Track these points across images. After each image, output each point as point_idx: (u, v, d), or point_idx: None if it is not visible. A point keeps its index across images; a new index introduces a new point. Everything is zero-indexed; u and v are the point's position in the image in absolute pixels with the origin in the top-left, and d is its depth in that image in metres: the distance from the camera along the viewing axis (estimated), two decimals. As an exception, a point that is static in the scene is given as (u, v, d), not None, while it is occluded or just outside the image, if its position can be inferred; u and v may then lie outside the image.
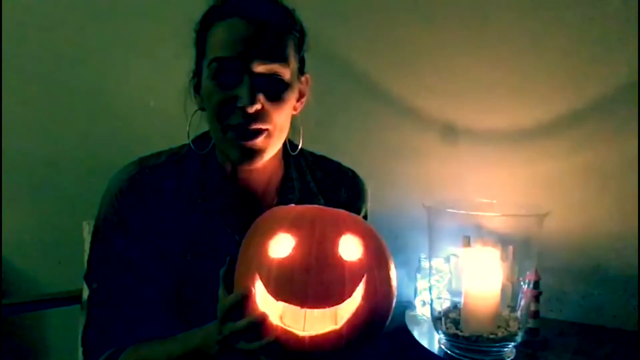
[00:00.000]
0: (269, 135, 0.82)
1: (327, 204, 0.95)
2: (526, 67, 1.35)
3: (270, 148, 0.83)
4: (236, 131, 0.80)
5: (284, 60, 0.81)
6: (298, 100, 0.89)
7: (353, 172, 1.03)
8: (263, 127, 0.80)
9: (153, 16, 1.62)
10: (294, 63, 0.84)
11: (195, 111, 0.88)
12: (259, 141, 0.81)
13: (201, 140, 0.91)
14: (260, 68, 0.79)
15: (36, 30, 1.68)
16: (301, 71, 0.89)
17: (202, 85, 0.84)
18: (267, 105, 0.80)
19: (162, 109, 1.56)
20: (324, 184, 0.98)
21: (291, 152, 0.94)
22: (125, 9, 1.63)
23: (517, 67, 1.36)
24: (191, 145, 0.89)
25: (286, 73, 0.81)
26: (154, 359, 0.81)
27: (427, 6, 1.42)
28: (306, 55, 0.91)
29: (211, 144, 0.89)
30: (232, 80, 0.79)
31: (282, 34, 0.82)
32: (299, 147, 0.95)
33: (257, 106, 0.78)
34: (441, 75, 1.43)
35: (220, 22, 0.81)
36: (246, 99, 0.77)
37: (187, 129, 0.88)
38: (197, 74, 0.87)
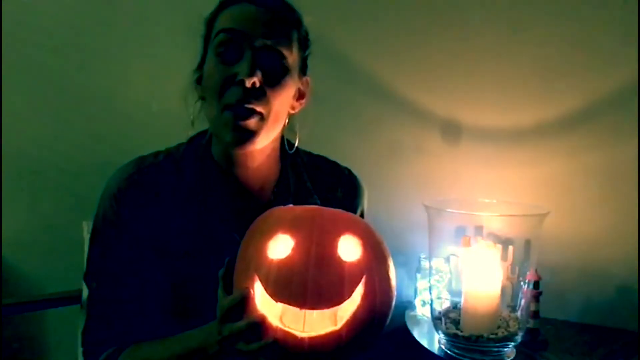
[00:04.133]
0: (263, 119, 0.82)
1: (323, 202, 0.95)
2: (527, 67, 1.35)
3: (264, 133, 0.83)
4: (233, 110, 0.80)
5: (287, 43, 0.82)
6: (297, 100, 0.90)
7: (349, 170, 1.03)
8: (258, 108, 0.80)
9: (154, 17, 1.62)
10: (296, 55, 0.85)
11: (197, 101, 0.89)
12: (253, 122, 0.81)
13: (199, 137, 0.92)
14: (263, 43, 0.80)
15: (36, 31, 1.67)
16: (303, 72, 0.90)
17: (204, 71, 0.85)
18: (266, 87, 0.80)
19: (163, 110, 1.56)
20: (321, 183, 0.99)
21: (288, 151, 0.95)
22: (126, 10, 1.63)
23: (518, 67, 1.36)
24: (189, 146, 0.90)
25: (288, 56, 0.83)
26: (154, 359, 0.81)
27: (429, 5, 1.42)
28: (309, 60, 0.92)
29: (207, 137, 0.90)
30: (234, 57, 0.80)
31: (288, 23, 0.84)
32: (295, 145, 0.95)
33: (255, 80, 0.78)
34: (442, 75, 1.43)
35: (229, 7, 0.83)
36: (246, 70, 0.78)
37: (191, 117, 0.89)
38: (200, 66, 0.88)
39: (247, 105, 0.79)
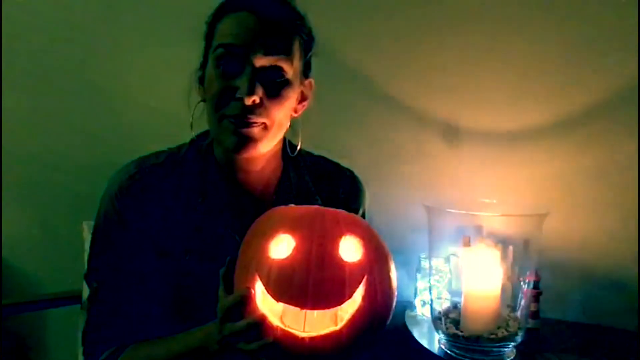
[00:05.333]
0: (266, 128, 0.82)
1: (325, 203, 0.95)
2: (527, 68, 1.35)
3: (266, 140, 0.83)
4: (232, 120, 0.80)
5: (287, 56, 0.82)
6: (300, 103, 0.90)
7: (351, 172, 1.03)
8: (259, 120, 0.80)
9: (155, 16, 1.62)
10: (297, 63, 0.85)
11: (199, 102, 0.89)
12: (255, 130, 0.81)
13: (201, 138, 0.92)
14: (262, 61, 0.80)
15: (36, 30, 1.67)
16: (306, 75, 0.90)
17: (205, 74, 0.85)
18: (266, 101, 0.80)
19: (163, 109, 1.56)
20: (322, 183, 0.99)
21: (290, 154, 0.95)
22: (127, 9, 1.63)
23: (517, 68, 1.36)
24: (194, 137, 0.90)
25: (288, 70, 0.82)
26: (155, 358, 0.82)
27: (429, 7, 1.42)
28: (313, 60, 0.91)
29: (209, 139, 0.90)
30: (234, 70, 0.80)
31: (289, 33, 0.83)
32: (298, 148, 0.95)
33: (255, 98, 0.78)
34: (442, 76, 1.43)
35: (230, 14, 0.82)
36: (245, 89, 0.78)
37: (191, 120, 0.89)
38: (203, 65, 0.88)
39: (249, 120, 0.80)
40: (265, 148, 0.85)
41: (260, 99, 0.79)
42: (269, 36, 0.80)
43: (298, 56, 0.85)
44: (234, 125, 0.80)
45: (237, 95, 0.79)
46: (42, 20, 1.67)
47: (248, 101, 0.78)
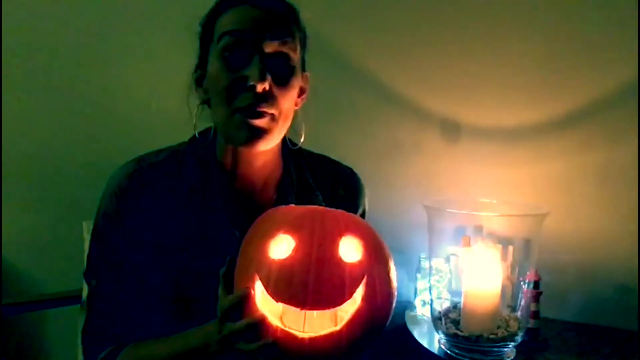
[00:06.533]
0: (274, 120, 0.82)
1: (326, 200, 0.96)
2: (527, 66, 1.35)
3: (275, 132, 0.83)
4: (244, 112, 0.80)
5: (292, 43, 0.83)
6: (299, 96, 0.90)
7: (351, 170, 1.03)
8: (269, 110, 0.80)
9: (155, 17, 1.62)
10: (299, 53, 0.86)
11: (199, 105, 0.89)
12: (265, 121, 0.81)
13: (202, 136, 0.92)
14: (270, 47, 0.80)
15: (37, 31, 1.68)
16: (302, 68, 0.91)
17: (208, 71, 0.85)
18: (275, 90, 0.81)
19: (163, 110, 1.56)
20: (323, 181, 0.99)
21: (291, 147, 0.95)
22: (127, 10, 1.63)
23: (517, 66, 1.36)
24: (197, 135, 0.90)
25: (294, 57, 0.83)
26: (154, 357, 0.81)
27: (428, 3, 1.42)
28: (306, 55, 0.92)
29: (210, 138, 0.90)
30: (241, 61, 0.80)
31: (289, 22, 0.84)
32: (301, 140, 0.95)
33: (266, 85, 0.78)
34: (442, 74, 1.43)
35: (229, 10, 0.82)
36: (256, 76, 0.78)
37: (194, 121, 0.89)
38: (200, 66, 0.88)
39: (258, 109, 0.80)
40: (274, 140, 0.85)
41: (270, 88, 0.80)
42: (274, 23, 0.81)
43: (299, 46, 0.86)
44: (245, 116, 0.80)
45: (249, 83, 0.78)
46: (43, 21, 1.67)
47: (260, 88, 0.78)
